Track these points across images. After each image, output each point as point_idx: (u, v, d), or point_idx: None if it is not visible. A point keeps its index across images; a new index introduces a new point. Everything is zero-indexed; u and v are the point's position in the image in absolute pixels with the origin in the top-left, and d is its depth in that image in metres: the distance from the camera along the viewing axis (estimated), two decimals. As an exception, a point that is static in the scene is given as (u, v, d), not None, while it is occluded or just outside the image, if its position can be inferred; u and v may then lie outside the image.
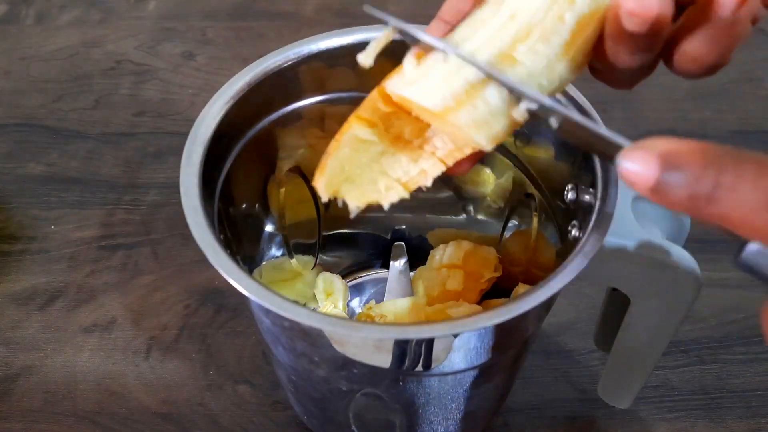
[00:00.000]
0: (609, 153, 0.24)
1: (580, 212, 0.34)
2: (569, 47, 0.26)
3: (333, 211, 0.44)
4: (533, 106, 0.26)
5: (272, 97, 0.37)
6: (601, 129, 0.25)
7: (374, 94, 0.28)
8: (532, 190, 0.39)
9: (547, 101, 0.25)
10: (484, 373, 0.35)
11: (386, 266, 0.48)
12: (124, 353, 0.48)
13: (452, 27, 0.29)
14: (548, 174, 0.38)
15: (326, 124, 0.39)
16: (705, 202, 0.21)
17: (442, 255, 0.44)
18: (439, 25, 0.30)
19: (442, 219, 0.46)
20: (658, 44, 0.26)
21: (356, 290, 0.49)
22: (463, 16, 0.28)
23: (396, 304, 0.42)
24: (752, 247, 0.21)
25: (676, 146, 0.21)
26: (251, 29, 0.70)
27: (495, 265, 0.43)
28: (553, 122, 0.26)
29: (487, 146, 0.27)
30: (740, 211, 0.20)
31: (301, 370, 0.36)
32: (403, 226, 0.47)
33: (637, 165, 0.22)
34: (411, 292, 0.46)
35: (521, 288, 0.39)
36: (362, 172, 0.28)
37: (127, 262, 0.52)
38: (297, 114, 0.38)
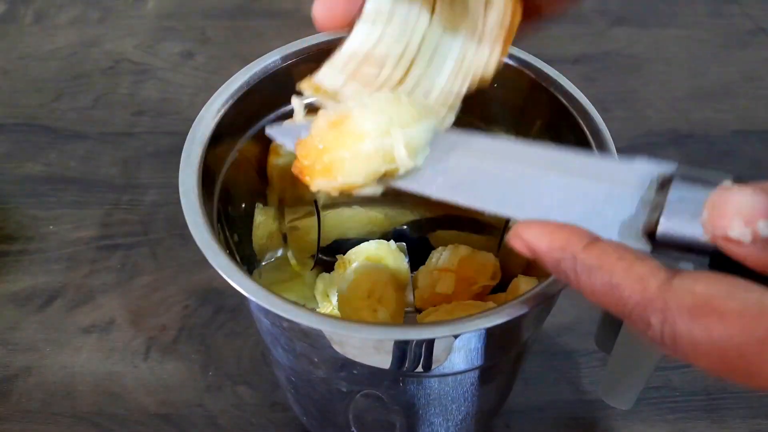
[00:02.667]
0: None
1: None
2: None
3: (329, 218, 0.44)
4: None
5: (272, 96, 0.37)
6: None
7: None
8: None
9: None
10: (484, 374, 0.35)
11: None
12: (122, 354, 0.48)
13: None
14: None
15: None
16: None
17: (439, 258, 0.44)
18: None
19: (444, 219, 0.46)
20: None
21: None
22: None
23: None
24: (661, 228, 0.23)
25: (536, 242, 0.24)
26: (251, 28, 0.70)
27: (493, 273, 0.42)
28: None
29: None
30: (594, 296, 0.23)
31: (301, 371, 0.36)
32: (405, 227, 0.47)
33: (521, 247, 0.25)
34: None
35: (521, 281, 0.39)
36: None
37: (126, 262, 0.52)
38: (297, 113, 0.38)
